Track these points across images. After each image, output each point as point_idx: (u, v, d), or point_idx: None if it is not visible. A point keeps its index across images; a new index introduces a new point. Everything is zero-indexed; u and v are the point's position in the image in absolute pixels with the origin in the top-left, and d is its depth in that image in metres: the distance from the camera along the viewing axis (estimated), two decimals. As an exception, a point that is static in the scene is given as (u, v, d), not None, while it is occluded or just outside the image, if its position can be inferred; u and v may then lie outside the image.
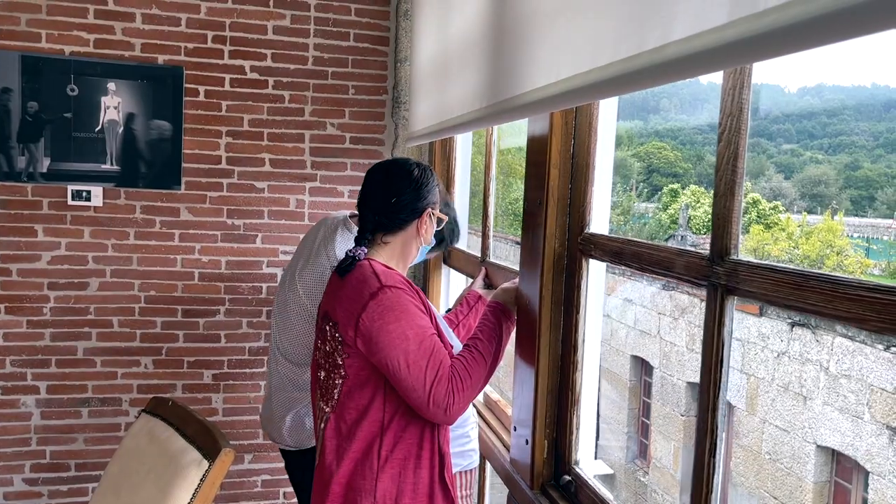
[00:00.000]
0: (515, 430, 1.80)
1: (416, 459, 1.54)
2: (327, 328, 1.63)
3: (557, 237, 1.66)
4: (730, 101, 1.09)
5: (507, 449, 1.92)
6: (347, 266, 1.66)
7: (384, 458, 1.52)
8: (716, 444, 1.14)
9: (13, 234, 2.69)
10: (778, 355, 8.61)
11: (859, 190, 30.61)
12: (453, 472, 1.70)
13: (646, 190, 28.66)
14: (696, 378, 9.95)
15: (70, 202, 2.72)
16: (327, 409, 1.61)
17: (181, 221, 2.84)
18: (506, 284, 1.82)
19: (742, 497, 9.25)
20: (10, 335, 2.71)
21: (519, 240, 1.85)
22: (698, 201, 22.88)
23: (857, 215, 25.23)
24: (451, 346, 1.64)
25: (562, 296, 1.67)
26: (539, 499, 1.64)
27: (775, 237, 14.56)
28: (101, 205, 2.75)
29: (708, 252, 1.16)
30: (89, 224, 2.75)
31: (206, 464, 1.87)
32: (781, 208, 21.70)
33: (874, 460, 7.33)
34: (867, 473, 7.44)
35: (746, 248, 16.12)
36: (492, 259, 2.27)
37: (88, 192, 2.73)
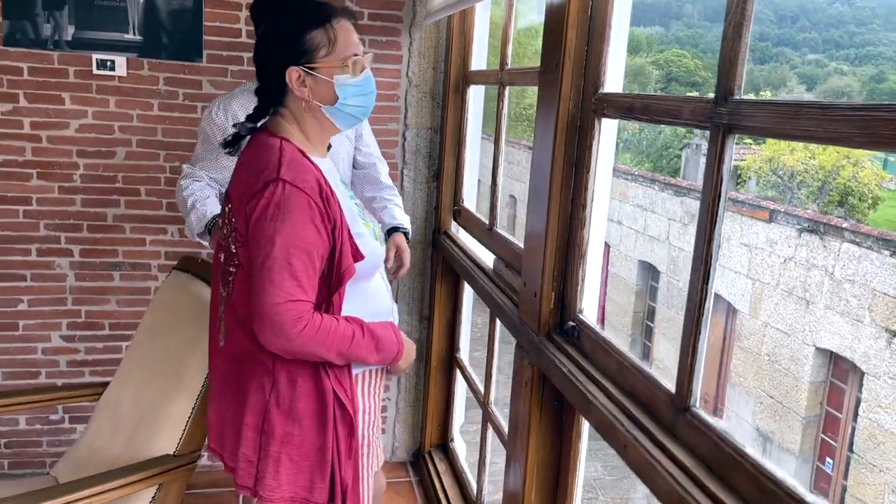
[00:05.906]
0: (525, 285, 1.93)
1: None
2: (227, 209, 1.52)
3: (572, 98, 1.72)
4: (743, -56, 1.13)
5: (517, 306, 2.05)
6: (234, 140, 1.52)
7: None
8: (709, 273, 1.24)
9: (41, 101, 2.77)
10: (785, 261, 8.71)
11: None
12: (353, 371, 1.57)
13: (664, 98, 28.11)
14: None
15: (95, 71, 2.78)
16: (224, 295, 1.54)
17: (204, 94, 2.89)
18: (412, 353, 1.70)
19: (739, 396, 9.58)
20: (42, 200, 2.84)
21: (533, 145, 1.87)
22: (716, 111, 22.42)
23: (878, 129, 24.76)
24: (369, 253, 1.53)
25: (574, 156, 1.75)
26: (544, 343, 1.78)
27: (792, 147, 14.42)
28: (125, 75, 2.81)
29: (713, 96, 1.23)
30: (114, 94, 2.82)
31: (235, 310, 2.01)
32: (801, 119, 21.32)
33: (870, 362, 7.54)
34: (862, 374, 7.68)
35: (763, 157, 15.97)
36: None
37: (112, 62, 2.78)
